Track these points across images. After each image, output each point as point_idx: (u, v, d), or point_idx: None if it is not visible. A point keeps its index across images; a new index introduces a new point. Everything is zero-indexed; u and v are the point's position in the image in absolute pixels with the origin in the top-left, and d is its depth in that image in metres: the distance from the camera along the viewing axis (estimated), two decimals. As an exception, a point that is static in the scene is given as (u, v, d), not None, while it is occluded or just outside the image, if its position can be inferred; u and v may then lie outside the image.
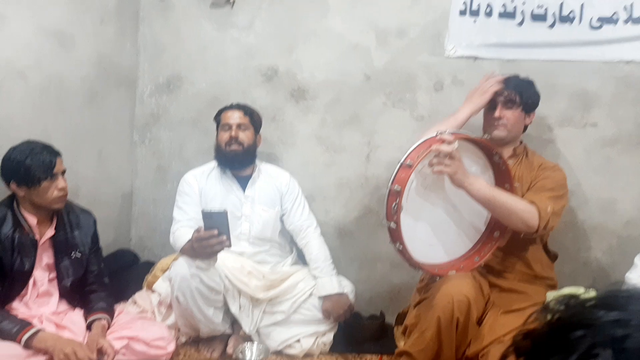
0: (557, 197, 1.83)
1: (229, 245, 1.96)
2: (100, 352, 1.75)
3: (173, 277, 2.09)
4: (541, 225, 1.74)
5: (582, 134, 2.38)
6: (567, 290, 1.80)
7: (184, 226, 2.21)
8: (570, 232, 2.36)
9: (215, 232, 1.90)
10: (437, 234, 1.80)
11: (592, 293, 1.71)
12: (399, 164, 1.67)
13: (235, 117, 2.31)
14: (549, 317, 0.50)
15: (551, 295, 1.78)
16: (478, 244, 1.86)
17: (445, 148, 1.62)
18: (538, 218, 1.73)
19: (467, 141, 1.74)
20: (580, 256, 2.39)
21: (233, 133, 2.28)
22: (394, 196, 1.64)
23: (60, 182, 1.83)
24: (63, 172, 1.86)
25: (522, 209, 1.72)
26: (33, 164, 1.76)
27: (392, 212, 1.64)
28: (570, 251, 2.11)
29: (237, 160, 2.32)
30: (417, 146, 1.69)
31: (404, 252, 1.68)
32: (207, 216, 1.92)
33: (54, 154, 1.83)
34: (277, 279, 2.30)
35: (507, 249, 1.90)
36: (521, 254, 1.93)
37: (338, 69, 2.57)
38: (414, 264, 1.72)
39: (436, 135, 1.68)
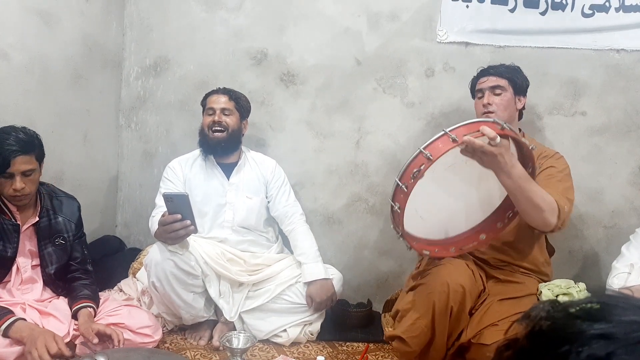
0: (567, 189, 1.79)
1: (195, 231, 1.93)
2: (101, 337, 1.71)
3: (148, 263, 2.07)
4: (558, 224, 1.67)
5: (571, 122, 2.38)
6: (558, 282, 1.81)
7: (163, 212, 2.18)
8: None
9: (179, 216, 1.87)
10: (439, 213, 1.74)
11: (581, 286, 1.70)
12: (417, 151, 1.50)
13: (220, 102, 2.29)
14: (530, 326, 0.48)
15: (543, 287, 1.78)
16: (477, 227, 1.81)
17: (479, 142, 1.43)
18: (557, 217, 1.66)
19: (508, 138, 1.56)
20: (566, 245, 2.41)
21: (216, 117, 2.26)
22: (418, 163, 1.48)
23: (16, 183, 1.70)
24: (28, 172, 1.71)
25: (547, 204, 1.63)
26: None
27: (412, 176, 1.49)
28: (556, 239, 2.12)
29: (220, 147, 2.29)
30: (435, 139, 1.49)
31: (403, 236, 1.64)
32: (168, 199, 1.88)
33: (15, 152, 1.66)
34: (260, 264, 2.28)
35: (513, 244, 1.88)
36: (526, 250, 1.89)
37: (329, 53, 2.53)
38: (410, 244, 1.67)
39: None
